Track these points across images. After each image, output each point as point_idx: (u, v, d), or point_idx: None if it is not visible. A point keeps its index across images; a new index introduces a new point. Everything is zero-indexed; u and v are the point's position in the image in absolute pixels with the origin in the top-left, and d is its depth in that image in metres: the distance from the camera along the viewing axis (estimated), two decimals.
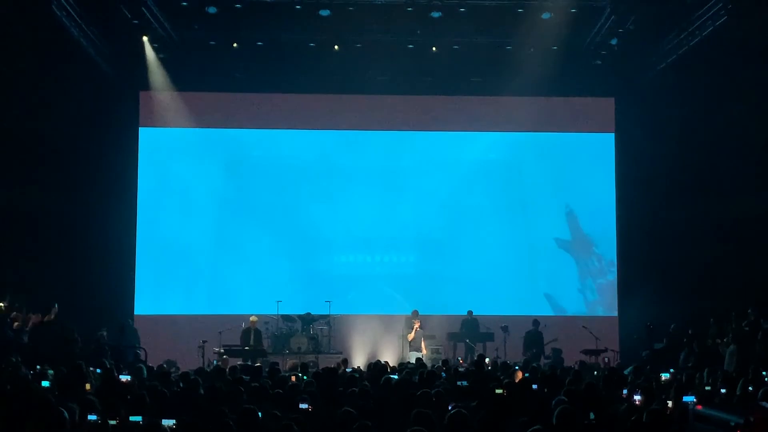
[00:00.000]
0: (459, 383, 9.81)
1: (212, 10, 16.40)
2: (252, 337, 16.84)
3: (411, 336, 16.71)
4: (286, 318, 18.04)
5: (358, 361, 16.71)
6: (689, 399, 7.88)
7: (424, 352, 16.65)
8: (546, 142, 19.56)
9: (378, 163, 19.41)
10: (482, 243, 19.08)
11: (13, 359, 11.74)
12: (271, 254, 18.83)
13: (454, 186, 19.07)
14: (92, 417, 7.02)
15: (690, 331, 15.62)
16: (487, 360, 14.20)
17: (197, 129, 19.04)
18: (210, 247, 19.21)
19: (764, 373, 10.79)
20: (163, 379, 10.29)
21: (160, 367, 13.46)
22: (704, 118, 17.40)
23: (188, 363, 15.21)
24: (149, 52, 17.82)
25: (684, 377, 10.81)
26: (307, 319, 17.92)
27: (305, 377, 10.79)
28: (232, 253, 19.07)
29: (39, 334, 14.70)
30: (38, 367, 11.37)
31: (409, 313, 17.21)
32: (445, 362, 13.80)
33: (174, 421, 6.86)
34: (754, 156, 16.74)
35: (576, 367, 13.77)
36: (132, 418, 7.07)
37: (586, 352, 16.59)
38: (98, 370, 11.27)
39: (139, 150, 19.07)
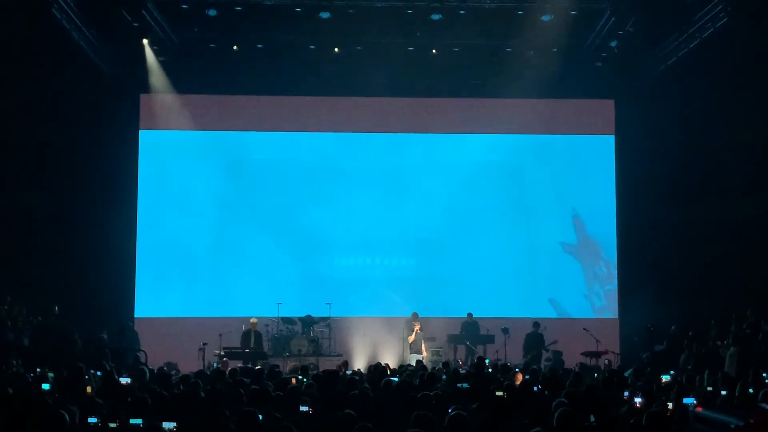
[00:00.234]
0: (459, 385, 9.81)
1: (212, 12, 16.42)
2: (252, 339, 16.85)
3: (411, 338, 16.70)
4: (287, 320, 18.04)
5: (359, 363, 16.71)
6: (689, 401, 7.89)
7: (425, 354, 16.64)
8: (546, 144, 19.58)
9: (378, 165, 19.42)
10: (482, 245, 19.07)
11: (14, 362, 11.74)
12: (271, 256, 18.82)
13: (454, 188, 19.04)
14: (92, 419, 7.03)
15: (690, 333, 15.61)
16: (487, 362, 14.19)
17: (197, 131, 19.06)
18: (210, 249, 19.21)
19: (765, 374, 10.78)
20: (164, 381, 10.28)
21: (161, 369, 13.46)
22: (704, 119, 17.41)
23: (188, 365, 15.20)
24: (149, 55, 17.84)
25: (684, 379, 10.80)
26: (308, 322, 17.93)
27: (305, 379, 10.79)
28: (232, 256, 19.07)
29: (39, 337, 14.70)
30: (38, 369, 11.37)
31: (410, 316, 17.21)
32: (446, 364, 13.80)
33: (174, 424, 6.86)
34: (754, 157, 16.75)
35: (576, 369, 13.75)
36: (132, 421, 7.07)
37: (587, 354, 16.60)
38: (98, 373, 11.27)
39: (140, 152, 19.07)
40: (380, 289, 18.85)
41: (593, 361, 16.38)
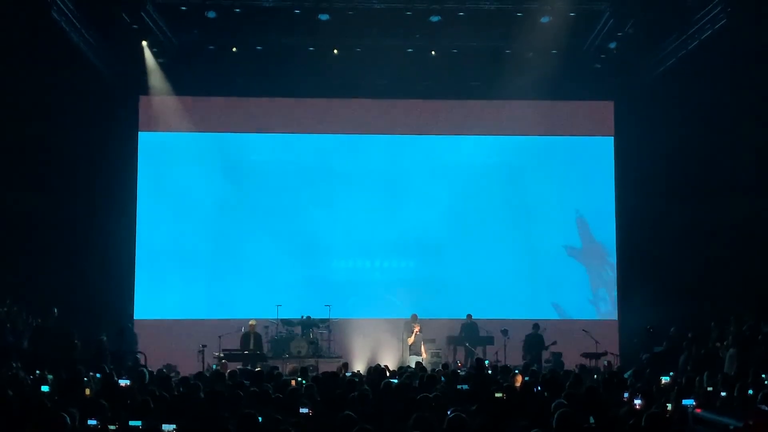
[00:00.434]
0: (459, 387, 9.81)
1: (211, 14, 16.41)
2: (252, 341, 16.85)
3: (411, 340, 16.70)
4: (286, 322, 18.03)
5: (358, 365, 16.69)
6: (689, 402, 7.89)
7: (424, 356, 16.63)
8: (545, 146, 19.57)
9: (378, 167, 19.41)
10: (482, 247, 19.07)
11: (13, 364, 11.74)
12: (270, 258, 18.81)
13: (453, 189, 19.04)
14: (92, 422, 7.03)
15: (690, 335, 15.59)
16: (486, 363, 14.18)
17: (197, 133, 19.05)
18: (209, 251, 19.19)
19: (764, 376, 10.78)
20: (163, 383, 10.27)
21: (160, 371, 13.46)
22: (704, 120, 17.39)
23: (188, 367, 15.21)
24: (149, 57, 17.85)
25: (684, 380, 10.79)
26: (307, 323, 17.92)
27: (305, 381, 10.78)
28: (231, 257, 19.06)
29: (39, 339, 14.70)
30: (38, 371, 11.37)
31: (409, 317, 17.21)
32: (445, 366, 13.79)
33: (174, 426, 6.86)
34: (753, 158, 16.75)
35: (576, 371, 13.74)
36: (132, 423, 7.06)
37: (587, 355, 16.59)
38: (98, 375, 11.27)
39: (139, 154, 19.07)
40: (380, 291, 18.84)
41: (593, 363, 16.38)
